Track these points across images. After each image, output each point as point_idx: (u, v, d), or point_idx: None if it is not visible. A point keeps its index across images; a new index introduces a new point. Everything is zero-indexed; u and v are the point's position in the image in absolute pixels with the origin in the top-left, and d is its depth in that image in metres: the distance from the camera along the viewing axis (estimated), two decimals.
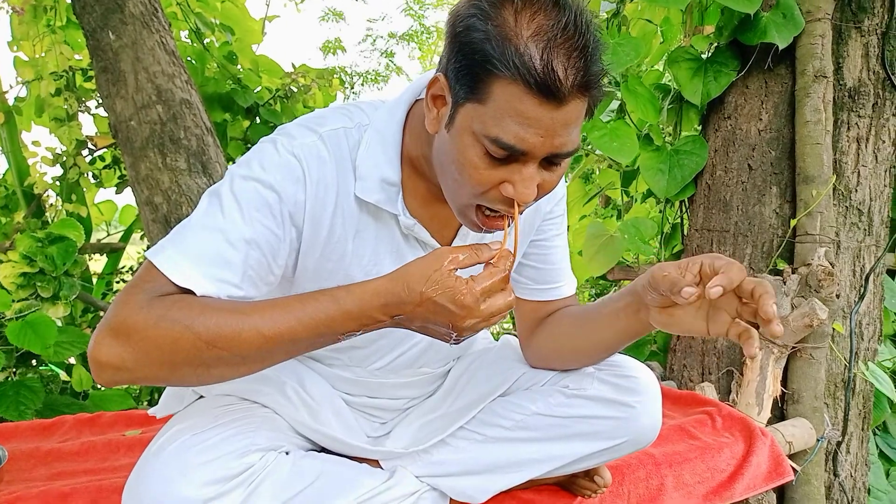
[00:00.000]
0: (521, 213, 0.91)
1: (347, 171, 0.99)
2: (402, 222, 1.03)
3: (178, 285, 0.85)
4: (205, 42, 3.14)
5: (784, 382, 1.85)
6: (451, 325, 0.83)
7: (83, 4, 2.57)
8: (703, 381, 2.03)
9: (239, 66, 3.18)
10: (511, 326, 4.15)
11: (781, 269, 1.89)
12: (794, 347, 1.81)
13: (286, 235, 0.95)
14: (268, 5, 3.38)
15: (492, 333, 1.49)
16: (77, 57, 3.26)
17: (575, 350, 1.17)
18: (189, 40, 3.27)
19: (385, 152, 1.00)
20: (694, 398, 1.84)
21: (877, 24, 1.90)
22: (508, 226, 0.93)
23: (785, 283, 1.83)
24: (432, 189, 1.04)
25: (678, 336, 2.14)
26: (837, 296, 1.81)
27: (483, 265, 0.88)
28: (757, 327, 0.90)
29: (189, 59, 3.16)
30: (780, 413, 1.87)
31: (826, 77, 1.84)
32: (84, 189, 3.11)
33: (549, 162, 0.88)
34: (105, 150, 3.11)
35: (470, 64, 0.83)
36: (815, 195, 1.82)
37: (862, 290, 1.91)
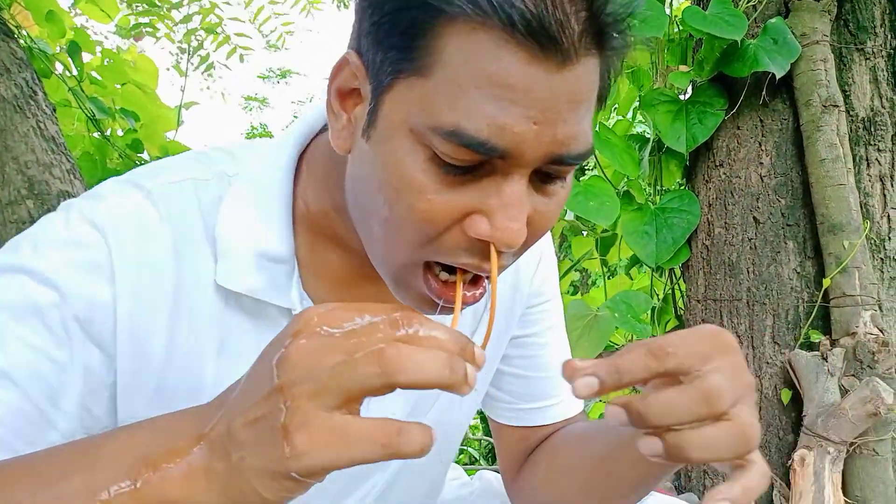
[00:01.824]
0: (500, 270, 0.52)
1: (199, 247, 0.62)
2: None
3: None
4: (107, 131, 2.74)
5: (844, 489, 1.44)
6: (278, 363, 0.40)
7: None
8: None
9: (146, 155, 2.77)
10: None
11: (817, 340, 1.51)
12: (852, 443, 1.41)
13: (77, 360, 0.57)
14: (183, 91, 3.02)
15: (467, 470, 1.05)
16: None
17: (588, 494, 0.75)
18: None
19: (265, 211, 0.63)
20: None
21: (881, 45, 1.62)
22: (481, 296, 0.56)
23: (826, 359, 1.45)
24: (350, 261, 0.66)
25: None
26: None
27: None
28: None
29: (89, 151, 2.75)
30: None
31: (837, 106, 1.54)
32: None
33: (547, 176, 0.51)
34: None
35: (398, 9, 0.47)
36: (847, 247, 1.47)
37: None
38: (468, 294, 0.55)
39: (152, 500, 0.43)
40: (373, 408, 0.69)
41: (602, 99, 0.53)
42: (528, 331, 0.83)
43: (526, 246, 0.55)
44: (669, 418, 0.44)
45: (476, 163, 0.48)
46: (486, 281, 0.55)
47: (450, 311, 0.56)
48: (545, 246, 0.83)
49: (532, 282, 0.82)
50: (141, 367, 0.60)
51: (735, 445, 0.44)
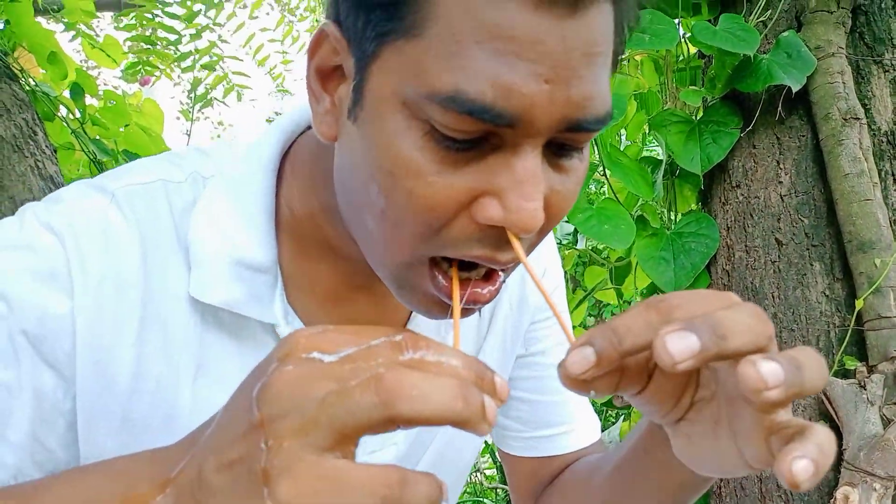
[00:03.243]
0: (514, 262, 0.47)
1: (171, 256, 0.55)
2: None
3: None
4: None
5: None
6: (259, 394, 0.32)
7: None
8: None
9: None
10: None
11: (852, 367, 1.41)
12: None
13: (25, 383, 0.50)
14: (188, 135, 3.01)
15: None
16: None
17: None
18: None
19: (243, 215, 0.56)
20: None
21: None
22: (496, 292, 0.49)
23: (864, 387, 1.35)
24: (341, 272, 0.60)
25: None
26: None
27: None
28: None
29: None
30: None
31: (858, 119, 1.47)
32: None
33: (562, 147, 0.45)
34: None
35: None
36: (879, 265, 1.38)
37: None
38: (482, 291, 0.47)
39: None
40: (368, 439, 0.61)
41: (616, 61, 0.46)
42: (535, 348, 0.75)
43: (543, 232, 0.48)
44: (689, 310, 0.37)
45: (480, 135, 0.41)
46: (500, 275, 0.48)
47: (465, 312, 0.48)
48: (549, 257, 0.76)
49: (538, 293, 0.74)
50: (104, 393, 0.52)
51: (755, 323, 0.36)
